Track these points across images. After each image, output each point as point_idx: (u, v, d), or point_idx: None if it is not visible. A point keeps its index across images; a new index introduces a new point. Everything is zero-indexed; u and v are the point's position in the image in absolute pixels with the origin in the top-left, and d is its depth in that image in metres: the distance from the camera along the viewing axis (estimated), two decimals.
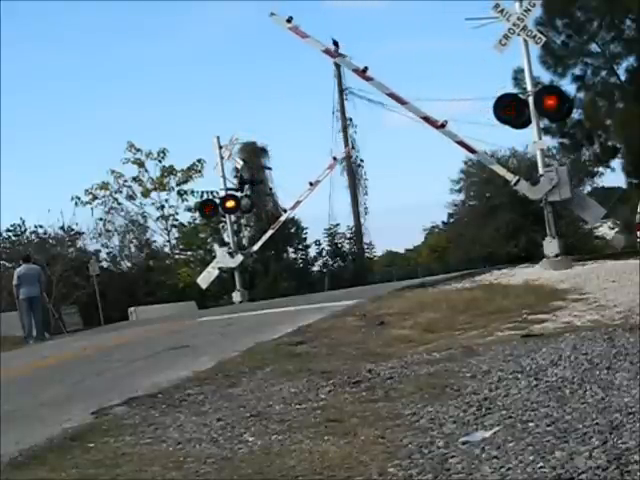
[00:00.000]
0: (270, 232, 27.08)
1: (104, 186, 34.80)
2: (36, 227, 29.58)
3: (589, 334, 6.48)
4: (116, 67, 62.82)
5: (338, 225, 37.57)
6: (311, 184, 28.08)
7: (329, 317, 9.85)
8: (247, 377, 6.36)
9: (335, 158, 32.82)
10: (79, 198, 33.90)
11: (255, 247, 26.34)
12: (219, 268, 24.34)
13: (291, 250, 36.46)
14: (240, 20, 66.84)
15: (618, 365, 5.16)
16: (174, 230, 36.04)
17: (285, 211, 30.51)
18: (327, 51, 18.69)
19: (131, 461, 4.26)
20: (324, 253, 37.59)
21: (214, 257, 25.68)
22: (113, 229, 34.01)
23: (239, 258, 23.74)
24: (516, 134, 20.11)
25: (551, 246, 15.09)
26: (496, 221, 29.04)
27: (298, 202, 29.05)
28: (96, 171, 55.30)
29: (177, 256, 35.60)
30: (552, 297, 9.50)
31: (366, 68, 17.99)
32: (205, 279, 24.94)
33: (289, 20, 18.29)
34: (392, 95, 17.83)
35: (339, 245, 37.99)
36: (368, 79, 18.68)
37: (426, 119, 16.78)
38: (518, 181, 15.89)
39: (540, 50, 22.14)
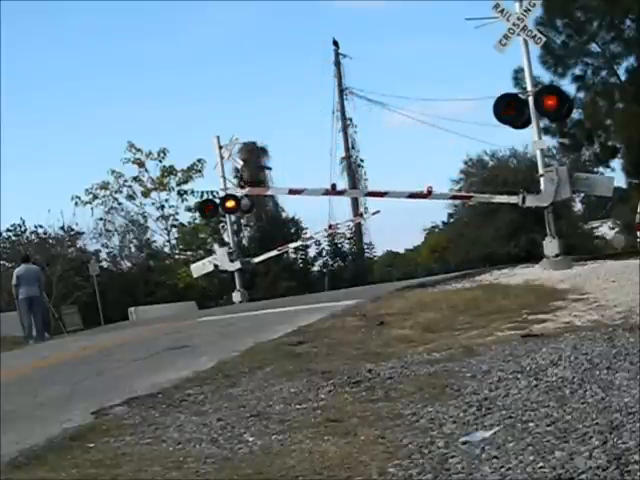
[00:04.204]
0: (275, 252, 27.01)
1: (104, 186, 34.86)
2: (36, 227, 29.68)
3: (589, 334, 6.48)
4: (116, 67, 62.90)
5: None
6: (330, 227, 28.88)
7: (329, 317, 9.85)
8: (247, 377, 6.36)
9: (362, 214, 33.75)
10: (79, 198, 33.99)
11: (256, 259, 26.29)
12: (215, 266, 24.30)
13: (291, 250, 36.51)
14: (240, 20, 66.87)
15: (618, 365, 5.15)
16: (174, 230, 36.07)
17: (296, 240, 31.05)
18: (292, 191, 19.82)
19: (131, 461, 4.25)
20: (324, 253, 37.61)
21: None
22: (113, 229, 34.10)
23: (237, 264, 23.72)
24: (516, 134, 20.19)
25: (551, 246, 15.08)
26: (496, 221, 28.94)
27: (311, 237, 29.77)
28: (96, 171, 55.53)
29: (177, 256, 35.61)
30: (552, 297, 9.50)
31: (334, 185, 19.62)
32: (198, 269, 24.85)
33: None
34: (371, 193, 18.71)
35: (339, 245, 38.01)
36: (339, 193, 20.20)
37: (412, 195, 17.08)
38: (524, 199, 15.73)
39: (540, 50, 22.18)
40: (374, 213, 34.33)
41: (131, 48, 65.05)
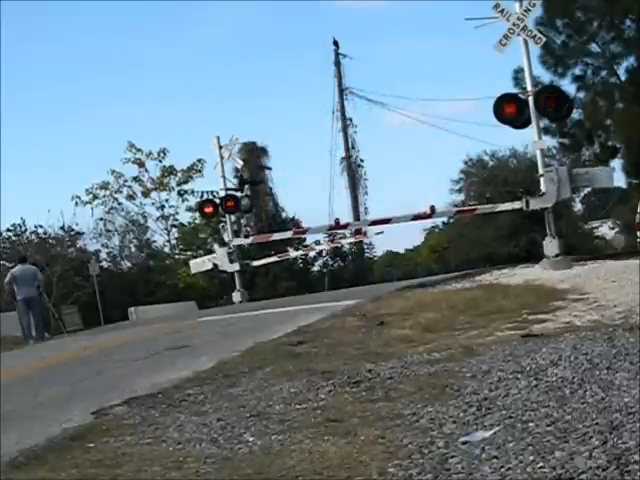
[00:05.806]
0: (275, 258, 26.95)
1: (104, 186, 34.89)
2: (36, 227, 29.69)
3: (589, 334, 6.48)
4: (116, 67, 63.03)
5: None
6: (332, 241, 29.06)
7: (329, 317, 9.84)
8: (247, 377, 6.36)
9: (365, 233, 33.99)
10: (79, 198, 34.01)
11: (255, 263, 26.26)
12: (215, 265, 24.27)
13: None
14: (240, 20, 66.90)
15: (618, 365, 5.15)
16: (174, 230, 36.08)
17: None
18: (297, 232, 21.12)
19: (131, 461, 4.25)
20: (324, 253, 37.59)
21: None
22: (113, 229, 34.11)
23: (236, 266, 23.70)
24: (516, 134, 20.19)
25: (551, 246, 15.07)
26: (496, 221, 28.95)
27: (312, 247, 29.88)
28: (96, 171, 55.57)
29: (177, 256, 35.61)
30: (552, 297, 9.49)
31: (338, 220, 20.11)
32: (197, 265, 24.74)
33: None
34: (375, 222, 19.13)
35: (339, 245, 37.98)
36: (343, 227, 20.75)
37: (416, 217, 17.22)
38: (528, 203, 15.66)
39: (540, 50, 22.18)
40: (377, 233, 34.54)
41: (131, 48, 65.20)
